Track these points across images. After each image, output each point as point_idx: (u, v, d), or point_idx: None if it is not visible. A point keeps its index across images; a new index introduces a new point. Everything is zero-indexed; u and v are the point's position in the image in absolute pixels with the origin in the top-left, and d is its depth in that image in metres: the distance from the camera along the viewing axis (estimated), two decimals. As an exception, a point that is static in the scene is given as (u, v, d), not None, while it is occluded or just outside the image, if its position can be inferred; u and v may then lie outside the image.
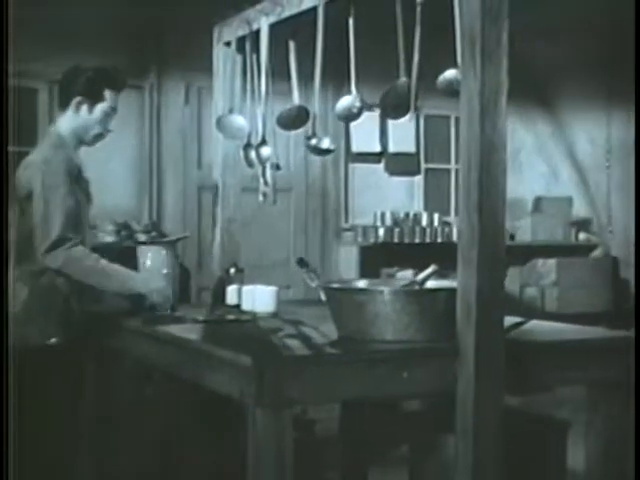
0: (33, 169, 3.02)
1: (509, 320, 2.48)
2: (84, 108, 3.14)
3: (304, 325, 2.87)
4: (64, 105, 3.17)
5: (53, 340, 3.02)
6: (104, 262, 3.07)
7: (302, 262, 3.13)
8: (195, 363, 2.64)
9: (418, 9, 2.86)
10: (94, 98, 3.14)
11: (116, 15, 5.47)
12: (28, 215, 3.00)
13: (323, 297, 2.68)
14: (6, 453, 2.65)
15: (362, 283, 2.83)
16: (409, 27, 2.89)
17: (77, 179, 3.07)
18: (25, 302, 3.03)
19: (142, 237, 5.36)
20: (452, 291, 2.42)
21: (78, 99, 3.14)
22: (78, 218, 3.06)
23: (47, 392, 3.00)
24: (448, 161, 6.66)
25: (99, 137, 3.21)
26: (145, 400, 3.23)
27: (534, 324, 2.81)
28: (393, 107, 2.99)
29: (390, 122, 6.20)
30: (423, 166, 6.55)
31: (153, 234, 5.47)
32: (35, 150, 3.18)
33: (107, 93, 3.18)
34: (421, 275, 2.69)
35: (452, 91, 2.75)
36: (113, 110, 3.20)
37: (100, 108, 3.16)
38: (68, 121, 3.16)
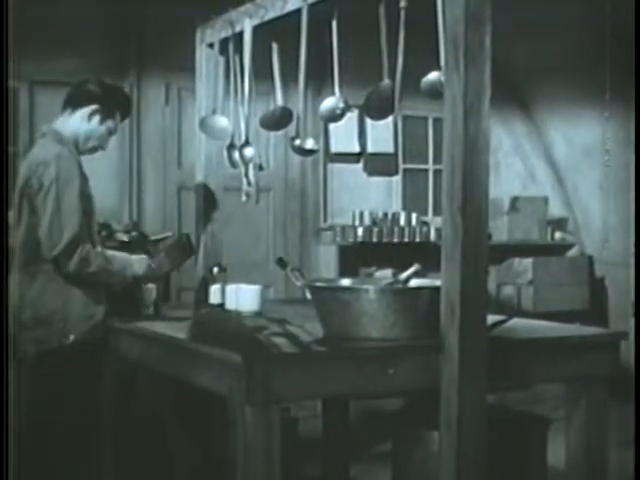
0: (45, 165, 2.97)
1: (489, 318, 2.52)
2: (96, 118, 3.15)
3: (289, 324, 2.90)
4: (74, 107, 3.15)
5: (72, 337, 3.02)
6: (109, 255, 3.09)
7: (281, 262, 3.16)
8: (183, 361, 2.67)
9: (402, 12, 2.90)
10: (107, 113, 3.16)
11: (96, 14, 5.46)
12: (39, 213, 2.96)
13: (308, 296, 2.72)
14: (12, 455, 2.69)
15: (347, 282, 2.87)
16: (392, 30, 2.92)
17: (84, 177, 3.08)
18: (37, 303, 3.01)
19: (123, 237, 5.36)
20: (436, 289, 2.47)
21: (95, 107, 3.14)
22: (92, 217, 3.07)
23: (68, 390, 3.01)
24: (426, 161, 6.71)
25: (93, 151, 3.21)
26: (134, 398, 3.25)
27: (515, 322, 2.86)
28: (376, 108, 3.03)
29: (369, 123, 6.24)
30: (401, 166, 6.58)
31: (133, 234, 5.45)
32: (37, 148, 3.13)
33: (117, 114, 3.21)
34: (404, 274, 2.73)
35: (435, 93, 2.78)
36: (115, 131, 3.23)
37: (107, 124, 3.18)
38: (73, 124, 3.14)
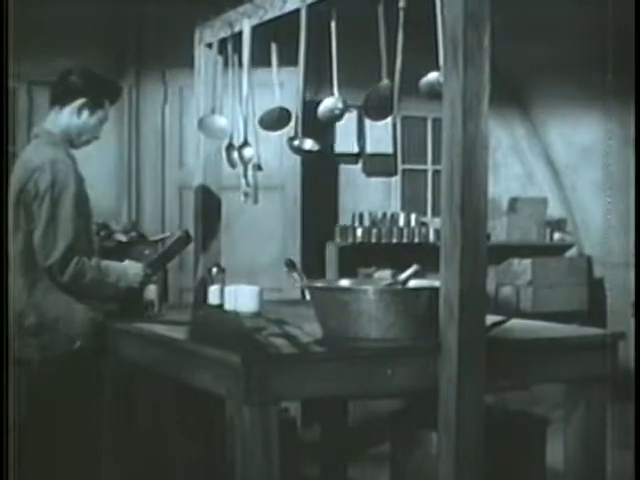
0: (41, 171, 2.94)
1: (487, 319, 2.52)
2: (86, 111, 3.11)
3: (288, 324, 2.90)
4: (61, 104, 3.11)
5: (78, 343, 3.01)
6: (104, 267, 3.06)
7: (290, 263, 3.17)
8: (182, 362, 2.67)
9: (400, 12, 2.90)
10: (96, 104, 3.12)
11: (95, 14, 5.46)
12: (35, 220, 2.94)
13: (308, 296, 2.72)
14: (12, 457, 2.68)
15: (346, 282, 2.86)
16: (391, 30, 2.92)
17: (79, 179, 3.06)
18: (40, 309, 2.99)
19: (121, 237, 5.35)
20: (435, 290, 2.47)
21: (82, 101, 3.10)
22: (89, 220, 3.06)
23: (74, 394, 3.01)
24: (425, 162, 6.71)
25: (87, 142, 3.18)
26: (133, 398, 3.25)
27: (513, 322, 2.86)
28: (375, 109, 3.03)
29: (368, 123, 6.24)
30: (400, 167, 6.59)
31: (132, 234, 5.44)
32: (31, 151, 3.10)
33: (106, 102, 3.17)
34: (403, 275, 2.73)
35: (434, 93, 2.78)
36: (106, 119, 3.19)
37: (98, 115, 3.14)
38: (63, 120, 3.10)
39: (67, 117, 3.11)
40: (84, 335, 3.01)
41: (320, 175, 6.20)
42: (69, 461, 2.99)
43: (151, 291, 3.24)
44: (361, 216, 6.23)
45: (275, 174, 5.39)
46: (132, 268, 3.15)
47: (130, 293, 3.15)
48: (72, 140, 3.13)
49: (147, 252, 3.37)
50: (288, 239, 6.06)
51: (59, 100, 3.13)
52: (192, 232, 3.78)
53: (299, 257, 5.58)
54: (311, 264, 5.71)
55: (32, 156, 3.06)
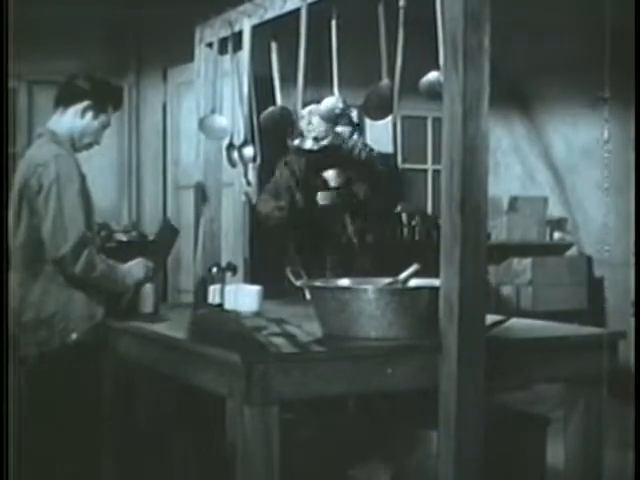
0: (44, 166, 2.96)
1: (487, 318, 2.52)
2: (89, 114, 3.12)
3: (288, 323, 2.90)
4: (65, 105, 3.12)
5: (74, 336, 3.01)
6: (111, 263, 3.08)
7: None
8: (182, 361, 2.67)
9: (401, 12, 2.90)
10: (99, 108, 3.13)
11: (95, 14, 5.46)
12: (40, 215, 2.95)
13: (307, 295, 2.72)
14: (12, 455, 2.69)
15: (346, 282, 2.86)
16: (391, 29, 2.92)
17: (82, 176, 3.07)
18: (38, 305, 3.00)
19: (122, 237, 5.37)
20: (435, 289, 2.46)
21: (87, 103, 3.11)
22: (91, 216, 3.07)
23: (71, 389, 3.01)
24: (425, 162, 6.73)
25: (89, 146, 3.19)
26: (133, 397, 3.25)
27: (513, 322, 2.86)
28: (375, 108, 3.03)
29: (368, 123, 6.24)
30: (400, 166, 6.61)
31: (133, 234, 5.46)
32: (34, 149, 3.11)
33: (110, 108, 3.18)
34: (404, 274, 2.73)
35: (434, 93, 2.78)
36: (108, 124, 3.20)
37: (100, 119, 3.15)
38: (67, 122, 3.12)
39: (70, 118, 3.13)
40: (81, 330, 3.01)
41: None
42: (68, 458, 2.99)
43: (150, 291, 3.24)
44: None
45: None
46: (134, 265, 3.18)
47: (134, 289, 3.16)
48: (74, 142, 3.14)
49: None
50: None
51: (63, 101, 3.15)
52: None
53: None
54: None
55: (35, 153, 3.08)
